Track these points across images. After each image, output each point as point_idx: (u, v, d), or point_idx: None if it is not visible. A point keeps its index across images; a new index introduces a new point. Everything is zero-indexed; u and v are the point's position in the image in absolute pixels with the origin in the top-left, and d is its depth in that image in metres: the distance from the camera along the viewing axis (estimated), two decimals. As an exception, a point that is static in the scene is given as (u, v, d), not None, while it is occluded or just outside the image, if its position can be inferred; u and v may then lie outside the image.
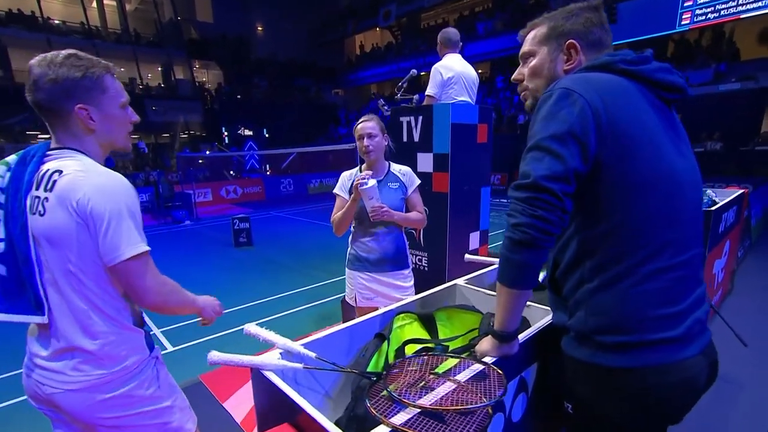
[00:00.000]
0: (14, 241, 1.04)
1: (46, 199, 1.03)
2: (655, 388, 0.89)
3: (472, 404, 0.83)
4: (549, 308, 1.36)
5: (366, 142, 2.09)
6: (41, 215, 1.03)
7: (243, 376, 2.85)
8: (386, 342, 1.27)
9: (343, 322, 3.16)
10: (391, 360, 1.28)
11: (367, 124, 2.11)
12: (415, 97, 3.43)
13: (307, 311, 4.21)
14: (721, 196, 3.43)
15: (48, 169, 1.05)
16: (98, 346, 1.06)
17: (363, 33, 25.24)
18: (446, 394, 0.89)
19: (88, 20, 18.63)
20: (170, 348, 3.47)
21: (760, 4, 10.99)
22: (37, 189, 1.04)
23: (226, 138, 20.28)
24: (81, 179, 1.01)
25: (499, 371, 0.94)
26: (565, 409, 1.07)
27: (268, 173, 16.42)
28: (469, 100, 3.42)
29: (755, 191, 5.80)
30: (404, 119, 3.47)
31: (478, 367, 0.99)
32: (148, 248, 1.07)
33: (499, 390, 0.88)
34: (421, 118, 3.34)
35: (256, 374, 1.09)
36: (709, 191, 3.30)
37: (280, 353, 1.14)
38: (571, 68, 1.04)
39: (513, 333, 1.02)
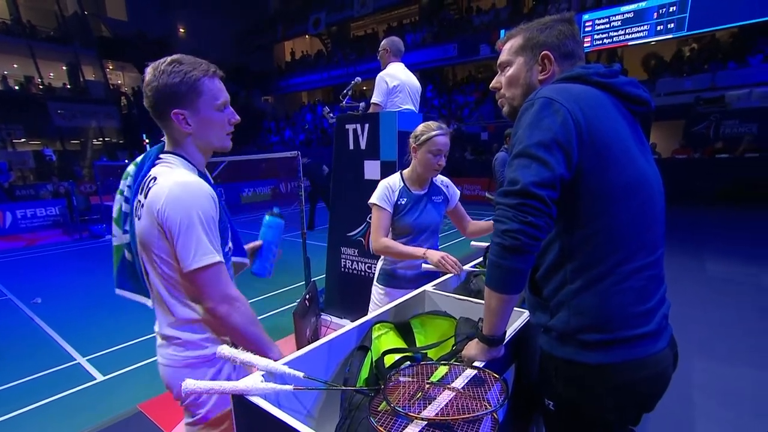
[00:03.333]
0: (131, 236, 1.21)
1: (142, 204, 1.12)
2: (634, 381, 0.96)
3: (478, 411, 0.84)
4: (521, 310, 1.44)
5: (442, 161, 1.90)
6: (139, 219, 1.14)
7: (188, 402, 2.63)
8: (370, 353, 1.24)
9: (296, 334, 3.06)
10: (370, 372, 1.26)
11: (446, 140, 1.89)
12: (361, 104, 3.44)
13: (252, 327, 3.99)
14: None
15: (151, 175, 1.14)
16: (181, 334, 1.18)
17: (292, 40, 24.85)
18: (448, 402, 0.89)
19: (-35, 7, 16.20)
20: (100, 377, 3.10)
21: (641, 34, 13.10)
22: (140, 193, 1.15)
23: (148, 146, 18.69)
24: (164, 189, 1.07)
25: (496, 375, 0.97)
26: (547, 406, 1.11)
27: (194, 182, 15.41)
28: (413, 108, 3.50)
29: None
30: (350, 126, 3.46)
31: (470, 372, 1.01)
32: (216, 260, 1.10)
33: (501, 395, 0.91)
34: (367, 125, 3.35)
35: (240, 401, 1.00)
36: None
37: (262, 375, 1.06)
38: (546, 78, 1.10)
39: (501, 337, 1.05)
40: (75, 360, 3.41)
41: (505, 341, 1.18)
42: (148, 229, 1.10)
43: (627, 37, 13.36)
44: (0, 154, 13.83)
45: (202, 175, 1.21)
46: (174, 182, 1.08)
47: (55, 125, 16.57)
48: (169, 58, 1.13)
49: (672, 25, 12.47)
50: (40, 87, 17.41)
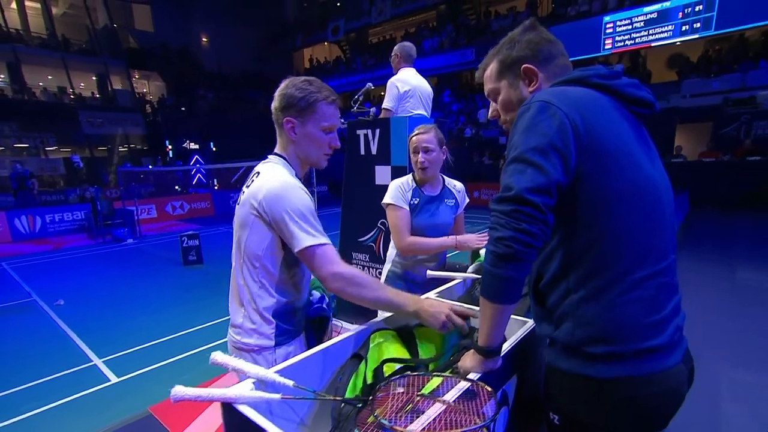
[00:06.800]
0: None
1: (243, 193, 1.32)
2: (643, 397, 0.90)
3: (466, 426, 0.80)
4: (525, 319, 1.40)
5: (421, 157, 1.85)
6: (238, 205, 1.33)
7: (198, 404, 2.65)
8: (364, 362, 1.22)
9: (306, 338, 3.05)
10: (369, 381, 1.23)
11: (423, 137, 1.86)
12: (372, 110, 3.44)
13: (264, 331, 4.01)
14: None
15: (255, 170, 1.35)
16: (240, 319, 1.35)
17: (312, 47, 25.21)
18: (438, 415, 0.86)
19: (6, 22, 17.10)
20: (114, 379, 3.16)
21: (666, 35, 12.74)
22: (246, 186, 1.33)
23: (170, 152, 19.22)
24: (265, 182, 1.25)
25: (489, 388, 0.93)
26: (551, 420, 1.06)
27: (216, 188, 15.73)
28: (424, 113, 3.48)
29: (675, 200, 6.42)
30: (361, 132, 3.47)
31: (464, 384, 0.97)
32: (320, 241, 1.22)
33: (492, 409, 0.87)
34: (378, 131, 3.35)
35: (229, 410, 0.99)
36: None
37: (253, 383, 1.05)
38: (536, 88, 1.07)
39: (498, 348, 1.02)
40: (91, 361, 3.48)
41: (507, 351, 1.14)
42: (245, 215, 1.28)
43: (651, 38, 13.05)
44: (30, 162, 14.46)
45: (296, 177, 1.36)
46: (274, 178, 1.26)
47: (84, 133, 17.23)
48: (305, 78, 1.33)
49: (698, 24, 12.11)
50: (72, 97, 18.17)
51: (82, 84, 19.56)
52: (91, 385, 3.06)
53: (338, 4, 23.13)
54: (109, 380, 3.15)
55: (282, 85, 1.33)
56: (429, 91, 3.55)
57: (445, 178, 2.07)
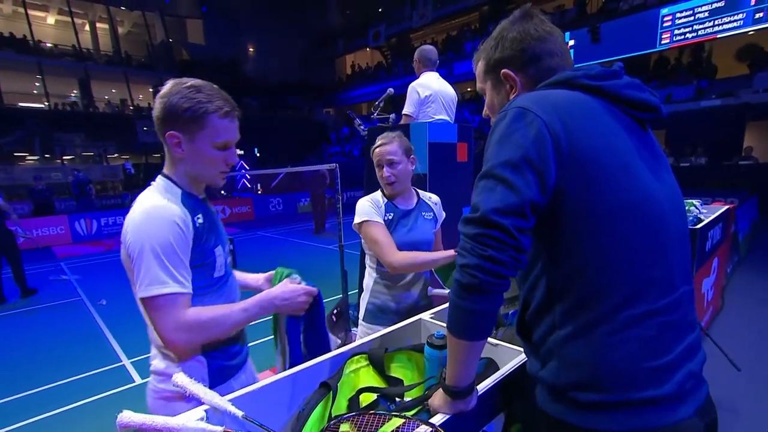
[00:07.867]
0: None
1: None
2: None
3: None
4: (519, 348, 1.24)
5: (386, 172, 1.67)
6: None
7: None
8: (331, 393, 1.12)
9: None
10: (336, 412, 1.13)
11: (386, 148, 1.66)
12: (391, 116, 3.35)
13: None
14: (708, 212, 3.35)
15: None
16: (161, 363, 1.16)
17: (354, 53, 25.61)
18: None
19: (80, 43, 18.83)
20: (138, 380, 3.26)
21: (735, 24, 11.48)
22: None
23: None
24: (131, 215, 1.06)
25: (446, 438, 0.80)
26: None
27: (259, 192, 16.29)
28: (447, 118, 3.35)
29: (741, 206, 5.77)
30: (382, 139, 3.38)
31: (424, 430, 0.85)
32: (164, 291, 1.03)
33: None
34: (398, 137, 3.24)
35: (171, 440, 0.93)
36: (694, 206, 3.20)
37: (205, 411, 0.99)
38: (517, 95, 0.95)
39: (467, 388, 0.89)
40: (121, 362, 3.64)
41: (491, 386, 1.02)
42: (123, 259, 1.10)
43: (717, 29, 11.80)
44: (94, 169, 15.70)
45: (188, 196, 1.16)
46: (140, 209, 1.06)
47: (141, 141, 18.51)
48: (191, 81, 1.11)
49: (776, 10, 10.87)
50: (131, 108, 19.64)
51: (140, 96, 21.10)
52: (115, 386, 3.18)
53: (380, 9, 23.34)
54: (134, 381, 3.26)
55: (164, 89, 1.09)
56: (452, 95, 3.41)
57: (419, 191, 1.90)
